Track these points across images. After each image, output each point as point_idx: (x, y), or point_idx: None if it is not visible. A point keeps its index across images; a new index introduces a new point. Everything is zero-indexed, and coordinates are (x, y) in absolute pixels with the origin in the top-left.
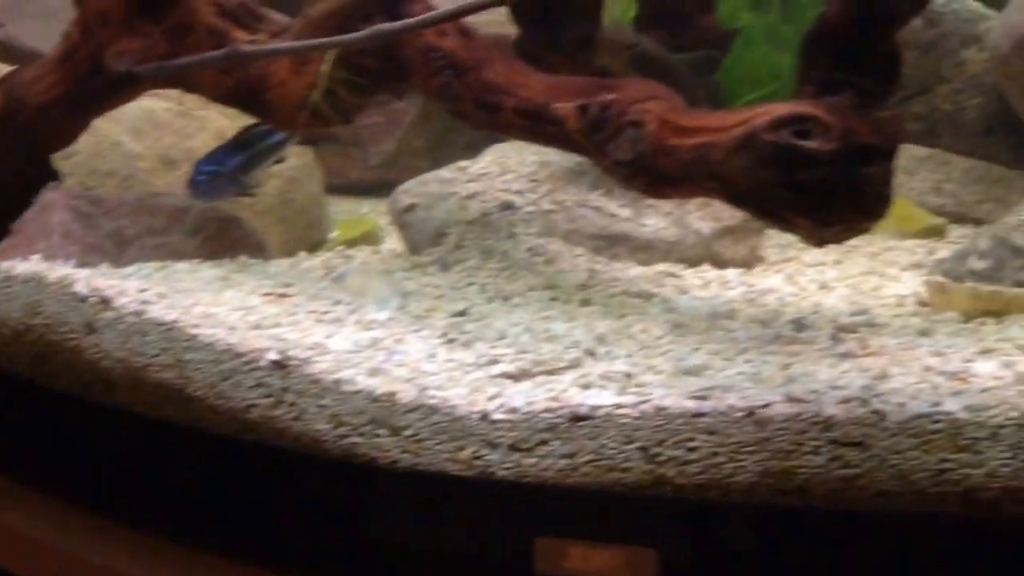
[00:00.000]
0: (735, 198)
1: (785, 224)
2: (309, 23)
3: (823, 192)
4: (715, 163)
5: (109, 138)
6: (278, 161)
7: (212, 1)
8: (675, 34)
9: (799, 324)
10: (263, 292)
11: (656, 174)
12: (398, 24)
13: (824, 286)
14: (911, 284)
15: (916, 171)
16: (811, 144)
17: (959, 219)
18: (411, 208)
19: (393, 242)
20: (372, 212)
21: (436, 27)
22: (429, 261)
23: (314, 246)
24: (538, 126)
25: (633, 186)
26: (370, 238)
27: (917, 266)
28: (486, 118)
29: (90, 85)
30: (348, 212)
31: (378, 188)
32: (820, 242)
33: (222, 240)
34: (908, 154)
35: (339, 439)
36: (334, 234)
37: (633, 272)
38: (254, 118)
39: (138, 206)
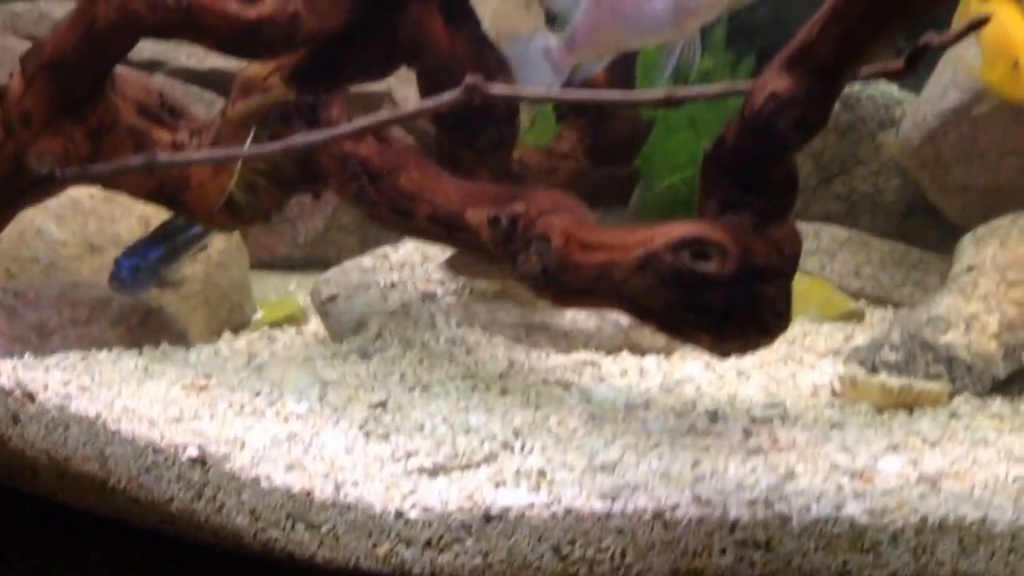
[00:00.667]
0: (639, 314)
1: (687, 339)
2: (228, 123)
3: (722, 312)
4: (618, 281)
5: (33, 225)
6: (201, 249)
7: (133, 100)
8: (595, 127)
9: (713, 415)
10: (183, 384)
11: (563, 288)
12: (310, 137)
13: (741, 373)
14: (827, 373)
15: (837, 253)
16: (709, 267)
17: (879, 302)
18: (332, 298)
19: (317, 324)
20: (299, 288)
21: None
22: (350, 350)
23: (238, 327)
24: (452, 233)
25: (543, 296)
26: (294, 319)
27: (834, 353)
28: (401, 223)
29: (12, 184)
30: (276, 289)
31: (307, 264)
32: (722, 354)
33: (144, 329)
34: (829, 236)
35: (258, 533)
36: (258, 315)
37: (552, 360)
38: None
39: (60, 298)
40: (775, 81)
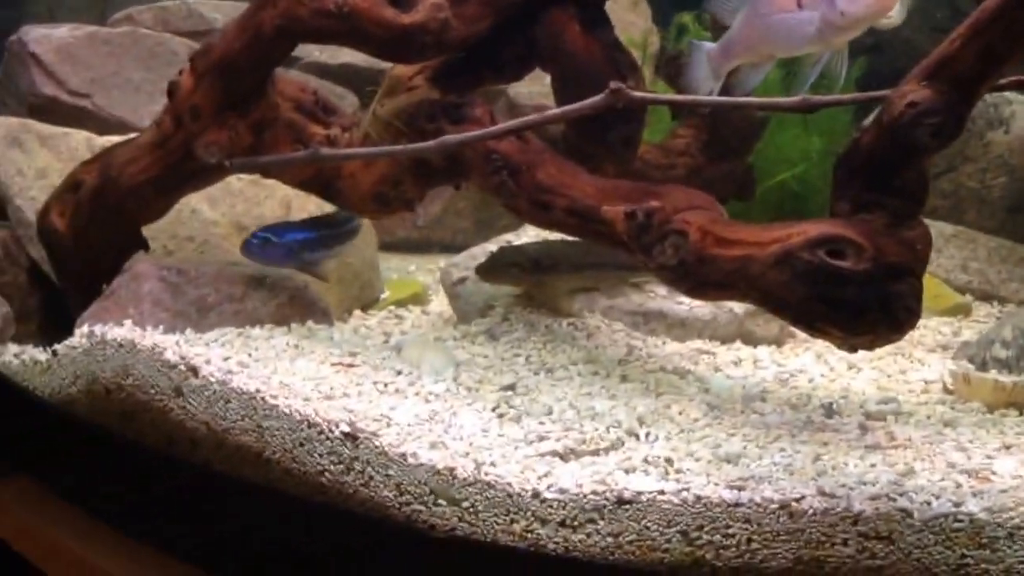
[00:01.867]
0: (773, 307)
1: (819, 333)
2: (376, 119)
3: (855, 308)
4: (754, 275)
5: (188, 206)
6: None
7: (290, 97)
8: (710, 124)
9: (829, 410)
10: (332, 362)
11: (698, 280)
12: (462, 136)
13: (852, 366)
14: (937, 368)
15: (944, 248)
16: (845, 264)
17: (985, 297)
18: (462, 281)
19: (440, 303)
20: (419, 269)
21: (491, 124)
22: (478, 331)
23: (367, 305)
24: (587, 225)
25: (678, 288)
26: (418, 299)
27: (943, 348)
28: (539, 215)
29: (181, 170)
30: (397, 270)
31: (425, 246)
32: (851, 348)
33: (293, 306)
34: (936, 231)
35: (403, 506)
36: (385, 294)
37: (669, 348)
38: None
39: (218, 275)
40: (915, 91)
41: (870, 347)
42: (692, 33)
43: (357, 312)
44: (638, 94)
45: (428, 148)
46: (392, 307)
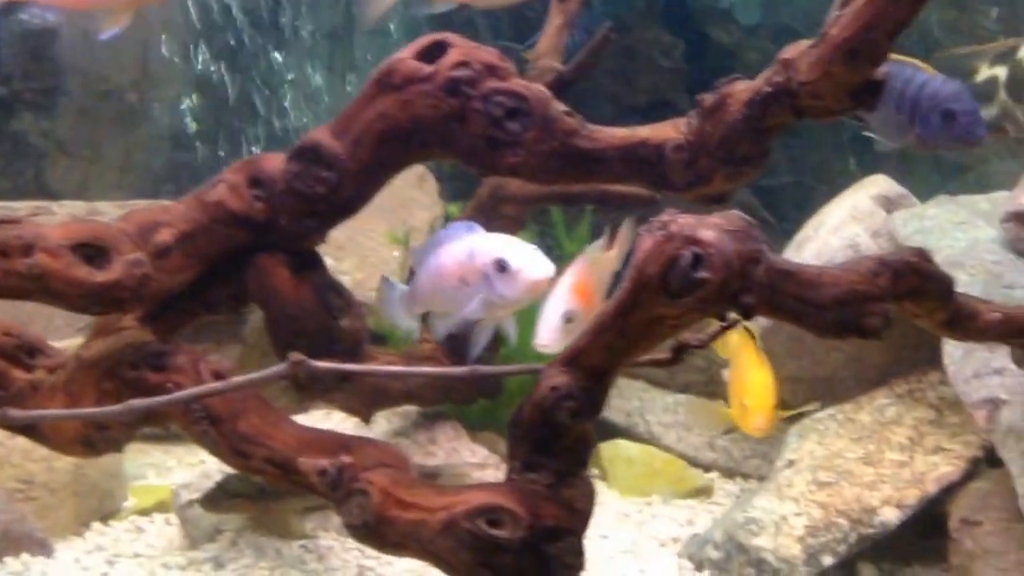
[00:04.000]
0: (445, 570)
1: None
2: (82, 364)
3: (514, 572)
4: (426, 540)
5: None
6: None
7: None
8: None
9: None
10: None
11: (382, 539)
12: (148, 402)
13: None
14: (664, 565)
15: (693, 427)
16: (502, 533)
17: (730, 474)
18: (191, 504)
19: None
20: (180, 465)
21: (195, 375)
22: (205, 558)
23: (108, 516)
24: (287, 475)
25: (367, 545)
26: (164, 506)
27: (674, 540)
28: (241, 463)
29: None
30: (156, 466)
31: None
32: None
33: (6, 539)
34: (686, 409)
35: None
36: (129, 502)
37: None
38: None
39: None
40: (556, 376)
41: None
42: None
43: (96, 524)
44: (321, 365)
45: (114, 413)
46: (135, 516)
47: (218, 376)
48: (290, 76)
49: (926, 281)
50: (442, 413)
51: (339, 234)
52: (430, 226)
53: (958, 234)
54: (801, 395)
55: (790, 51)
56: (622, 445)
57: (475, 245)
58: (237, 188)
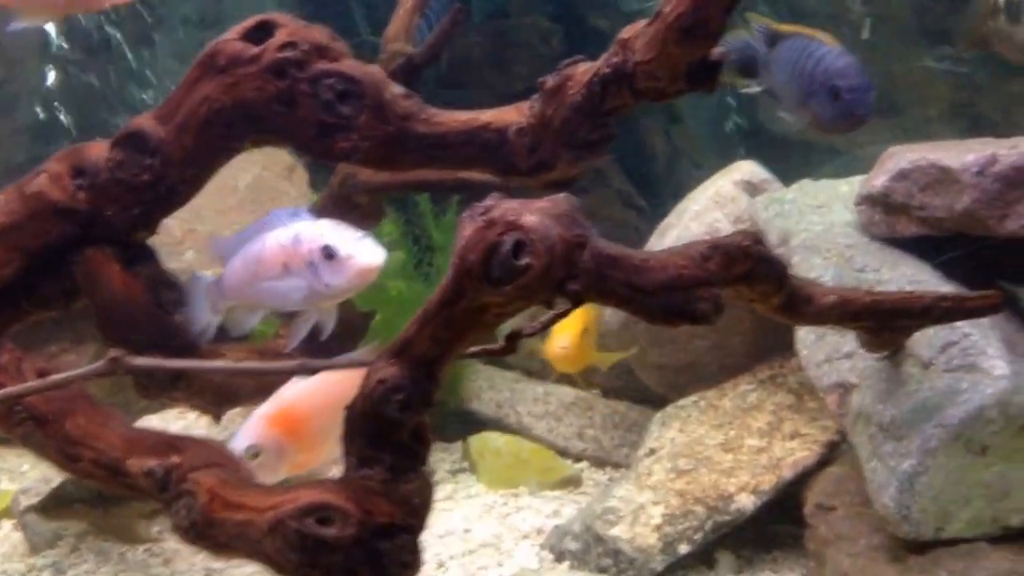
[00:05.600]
0: (276, 570)
1: None
2: None
3: (345, 571)
4: (254, 540)
5: None
6: None
7: None
8: None
9: None
10: None
11: (211, 541)
12: None
13: (442, 564)
14: (524, 557)
15: (563, 416)
16: (330, 531)
17: (600, 463)
18: (29, 510)
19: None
20: (33, 468)
21: (17, 374)
22: (44, 564)
23: None
24: (116, 478)
25: (197, 547)
26: (9, 513)
27: (539, 532)
28: (69, 467)
29: None
30: (8, 471)
31: None
32: None
33: None
34: (557, 399)
35: None
36: None
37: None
38: None
39: None
40: (384, 368)
41: None
42: None
43: None
44: (138, 361)
45: None
46: None
47: (43, 375)
48: (158, 66)
49: (759, 264)
50: None
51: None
52: None
53: (815, 217)
54: (666, 382)
55: (628, 31)
56: (490, 437)
57: (301, 231)
58: (59, 178)
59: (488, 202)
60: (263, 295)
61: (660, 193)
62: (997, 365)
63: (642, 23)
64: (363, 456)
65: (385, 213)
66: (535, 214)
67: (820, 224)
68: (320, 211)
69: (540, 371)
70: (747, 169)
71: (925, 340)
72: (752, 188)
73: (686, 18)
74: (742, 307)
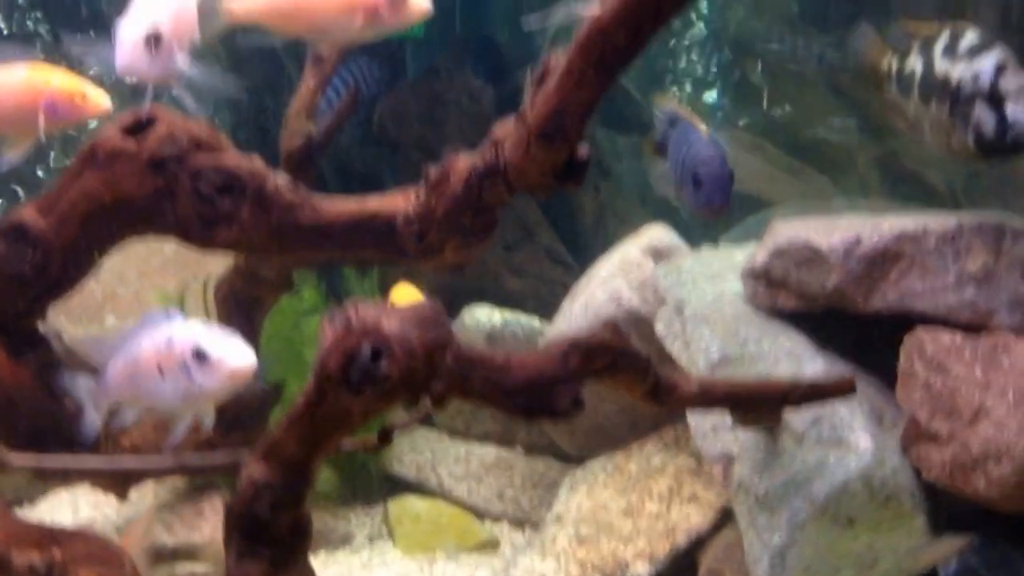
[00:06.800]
0: None
1: None
2: None
3: None
4: None
5: None
6: None
7: None
8: None
9: None
10: None
11: None
12: None
13: None
14: None
15: (483, 477)
16: None
17: (519, 523)
18: None
19: None
20: None
21: None
22: None
23: None
24: (2, 570)
25: None
26: None
27: None
28: None
29: None
30: None
31: None
32: None
33: None
34: (478, 459)
35: None
36: None
37: None
38: None
39: None
40: (254, 468)
41: None
42: None
43: None
44: (18, 461)
45: None
46: None
47: None
48: None
49: (620, 358)
50: (213, 484)
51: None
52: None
53: (707, 287)
54: (578, 444)
55: (500, 130)
56: (409, 502)
57: (174, 333)
58: None
59: (347, 309)
60: (141, 395)
61: (588, 249)
62: (862, 439)
63: (511, 120)
64: (242, 550)
65: (294, 284)
66: (395, 320)
67: (711, 294)
68: (227, 285)
69: (463, 430)
70: (655, 235)
71: (798, 412)
72: (658, 254)
73: (546, 126)
74: None
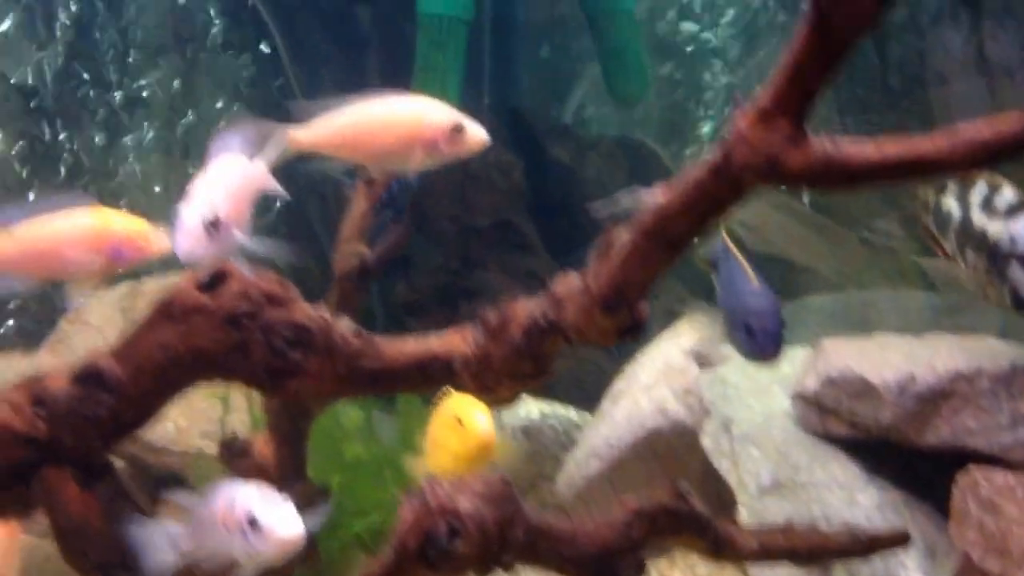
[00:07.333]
0: None
1: None
2: None
3: None
4: None
5: None
6: None
7: None
8: None
9: None
10: None
11: None
12: None
13: None
14: None
15: None
16: None
17: None
18: None
19: None
20: None
21: None
22: None
23: None
24: None
25: None
26: None
27: None
28: None
29: None
30: None
31: None
32: None
33: None
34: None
35: None
36: None
37: None
38: None
39: None
40: None
41: None
42: None
43: None
44: None
45: None
46: None
47: None
48: None
49: (682, 521)
50: None
51: None
52: None
53: (754, 403)
54: None
55: (560, 287)
56: None
57: (236, 495)
58: (19, 408)
59: (425, 486)
60: (212, 549)
61: None
62: None
63: (574, 282)
64: None
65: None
66: (469, 498)
67: (760, 412)
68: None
69: None
70: (696, 334)
71: None
72: (701, 358)
73: (611, 299)
74: None
